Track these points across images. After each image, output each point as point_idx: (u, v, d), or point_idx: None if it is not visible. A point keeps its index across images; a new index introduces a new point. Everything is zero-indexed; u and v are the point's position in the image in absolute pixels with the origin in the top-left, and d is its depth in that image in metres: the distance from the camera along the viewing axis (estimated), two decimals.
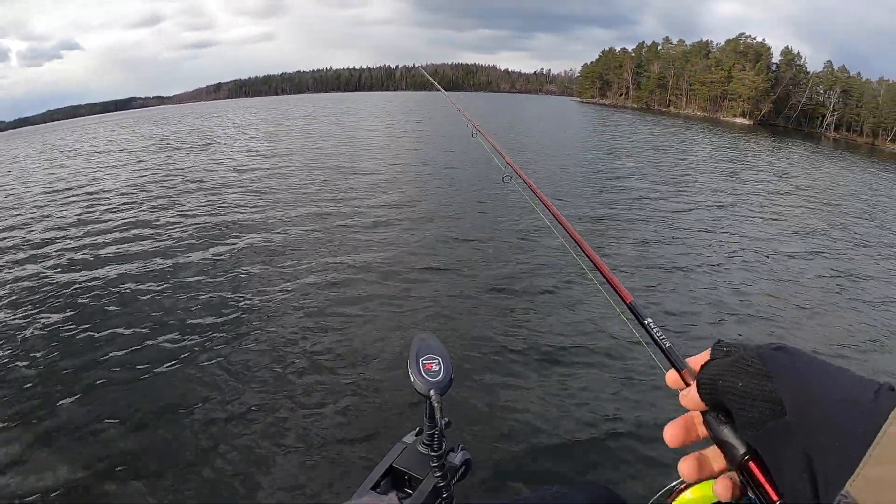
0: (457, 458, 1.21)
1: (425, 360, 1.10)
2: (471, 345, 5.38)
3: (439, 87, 6.32)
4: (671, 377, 0.63)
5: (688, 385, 0.59)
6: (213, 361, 5.11)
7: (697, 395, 0.55)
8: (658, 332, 0.75)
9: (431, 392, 1.05)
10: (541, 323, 5.95)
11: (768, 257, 9.26)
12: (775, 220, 12.26)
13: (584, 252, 1.08)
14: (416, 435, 1.26)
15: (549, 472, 3.74)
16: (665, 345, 0.71)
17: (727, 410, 0.52)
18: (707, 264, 8.48)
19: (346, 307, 6.32)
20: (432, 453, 1.08)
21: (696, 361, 0.61)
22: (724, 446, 0.53)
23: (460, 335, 5.62)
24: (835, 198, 16.56)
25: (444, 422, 1.04)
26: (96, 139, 34.13)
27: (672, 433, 0.59)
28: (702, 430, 0.57)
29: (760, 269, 8.58)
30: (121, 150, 25.12)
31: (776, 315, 6.77)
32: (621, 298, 0.91)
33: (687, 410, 0.59)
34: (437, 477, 1.07)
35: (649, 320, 0.78)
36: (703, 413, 0.56)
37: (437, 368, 1.09)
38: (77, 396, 4.64)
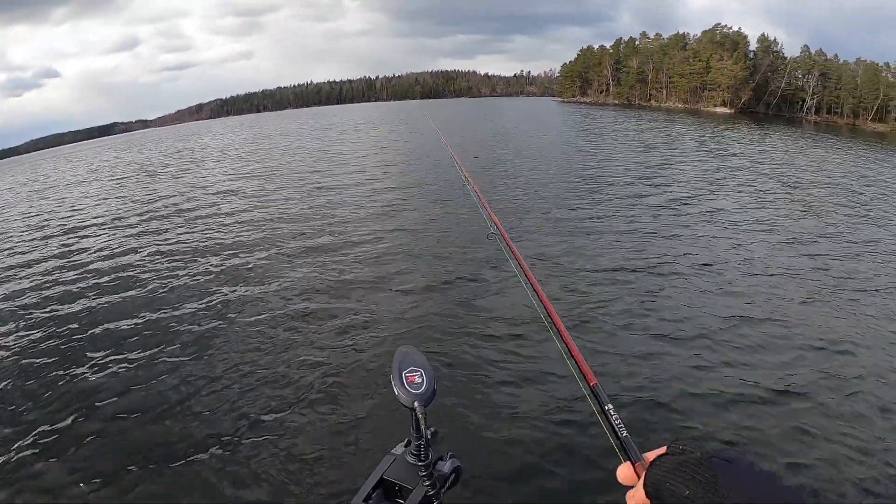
0: (446, 466, 1.19)
1: (408, 372, 1.12)
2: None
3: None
4: (623, 472, 0.65)
5: (639, 478, 0.59)
6: (194, 380, 5.30)
7: (643, 496, 0.55)
8: (617, 419, 0.75)
9: (416, 404, 1.07)
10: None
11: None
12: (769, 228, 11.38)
13: (555, 326, 1.12)
14: (406, 446, 1.24)
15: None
16: (622, 434, 0.72)
17: None
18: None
19: (329, 323, 6.53)
20: (419, 463, 1.09)
21: (651, 457, 0.60)
22: None
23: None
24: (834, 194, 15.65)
25: (430, 432, 1.08)
26: (76, 169, 34.38)
27: None
28: None
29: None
30: (98, 180, 25.32)
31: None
32: (585, 380, 0.90)
33: None
34: (426, 486, 1.09)
35: (609, 406, 0.80)
36: None
37: (420, 381, 1.11)
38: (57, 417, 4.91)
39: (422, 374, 1.12)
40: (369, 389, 4.98)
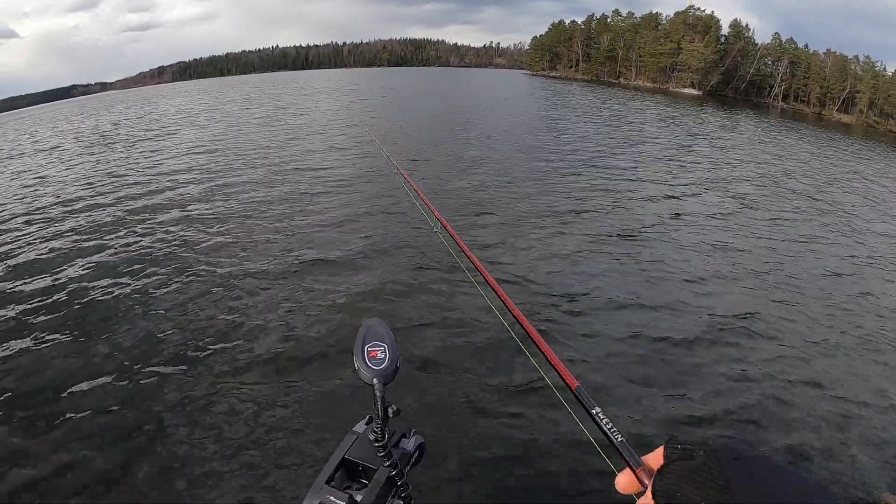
0: (410, 443, 1.15)
1: (371, 347, 1.05)
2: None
3: None
4: (623, 480, 0.61)
5: (644, 485, 0.57)
6: (150, 357, 5.10)
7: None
8: (608, 423, 0.70)
9: (374, 380, 1.01)
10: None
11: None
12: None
13: (525, 331, 1.04)
14: (367, 423, 1.16)
15: None
16: (616, 439, 0.67)
17: None
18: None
19: (290, 295, 6.34)
20: (376, 444, 1.03)
21: (651, 460, 0.59)
22: None
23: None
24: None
25: (392, 410, 1.01)
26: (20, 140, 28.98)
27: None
28: None
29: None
30: (45, 150, 21.56)
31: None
32: (566, 384, 0.83)
33: None
34: (387, 467, 1.03)
35: (597, 409, 0.73)
36: None
37: (383, 356, 1.04)
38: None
39: (385, 350, 1.05)
40: (333, 363, 4.89)
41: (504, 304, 1.20)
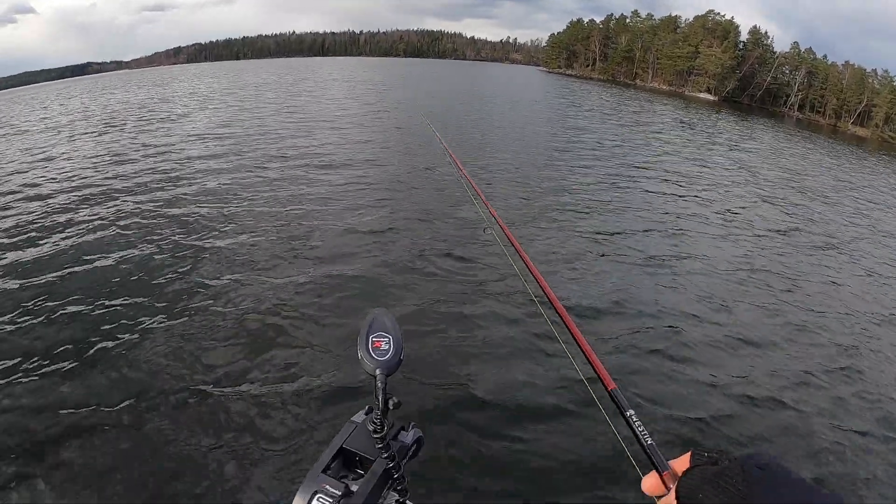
0: (408, 436, 1.15)
1: (375, 337, 1.05)
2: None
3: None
4: (649, 482, 0.63)
5: (668, 489, 0.58)
6: (149, 348, 4.93)
7: None
8: (640, 425, 0.72)
9: (377, 371, 1.01)
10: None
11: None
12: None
13: (567, 328, 1.06)
14: (367, 413, 1.16)
15: None
16: (646, 441, 0.68)
17: None
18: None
19: (299, 286, 6.20)
20: (375, 436, 1.02)
21: (678, 465, 0.60)
22: None
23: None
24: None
25: (393, 402, 1.01)
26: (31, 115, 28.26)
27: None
28: None
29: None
30: (54, 129, 20.57)
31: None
32: (603, 385, 0.84)
33: None
34: (384, 458, 1.03)
35: (631, 412, 0.75)
36: None
37: (387, 347, 1.04)
38: None
39: (389, 341, 1.05)
40: (338, 351, 4.87)
41: (547, 297, 1.21)
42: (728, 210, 11.83)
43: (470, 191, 2.58)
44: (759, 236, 10.25)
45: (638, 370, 5.17)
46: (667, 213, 10.91)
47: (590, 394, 0.99)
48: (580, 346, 0.98)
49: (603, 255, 8.08)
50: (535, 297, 1.40)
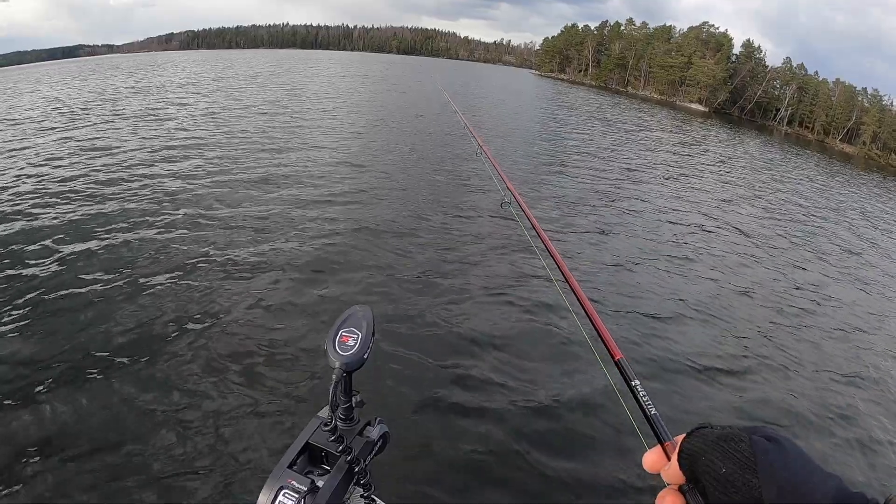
0: (374, 431, 1.12)
1: (345, 331, 1.03)
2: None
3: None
4: (650, 458, 0.61)
5: (670, 459, 0.55)
6: (120, 339, 4.57)
7: (678, 468, 0.52)
8: (645, 396, 0.72)
9: (338, 366, 0.99)
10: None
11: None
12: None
13: (577, 298, 1.09)
14: (333, 410, 1.14)
15: None
16: (651, 412, 0.69)
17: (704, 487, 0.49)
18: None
19: (273, 281, 5.84)
20: (324, 428, 1.02)
21: (682, 439, 0.57)
22: None
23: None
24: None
25: (356, 399, 1.04)
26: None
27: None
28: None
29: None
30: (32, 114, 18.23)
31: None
32: (610, 354, 0.86)
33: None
34: (340, 453, 0.99)
35: (637, 382, 0.75)
36: (680, 486, 0.53)
37: (353, 343, 1.02)
38: None
39: (357, 338, 1.02)
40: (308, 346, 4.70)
41: (561, 271, 1.25)
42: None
43: (493, 171, 2.66)
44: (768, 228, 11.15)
45: (645, 358, 5.20)
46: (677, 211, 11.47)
47: (597, 362, 0.98)
48: (588, 315, 0.98)
49: (605, 233, 8.66)
50: (548, 267, 1.46)
